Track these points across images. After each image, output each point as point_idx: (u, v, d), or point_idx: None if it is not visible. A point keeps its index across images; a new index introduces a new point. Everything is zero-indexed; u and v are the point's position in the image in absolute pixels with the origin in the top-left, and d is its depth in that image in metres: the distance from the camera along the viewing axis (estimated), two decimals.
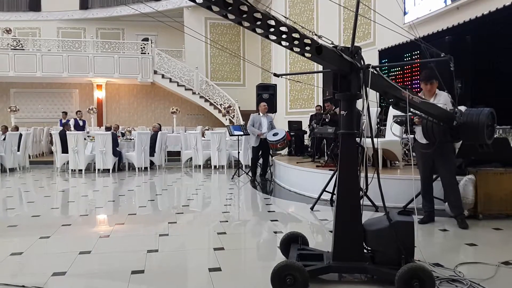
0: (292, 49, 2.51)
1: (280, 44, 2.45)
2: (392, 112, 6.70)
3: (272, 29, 2.28)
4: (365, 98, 2.90)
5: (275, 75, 3.59)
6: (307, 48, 2.49)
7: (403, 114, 3.87)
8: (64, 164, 10.40)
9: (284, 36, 2.35)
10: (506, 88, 6.49)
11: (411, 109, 3.45)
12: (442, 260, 3.33)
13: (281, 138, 7.94)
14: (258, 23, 2.21)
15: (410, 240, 2.86)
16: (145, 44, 18.02)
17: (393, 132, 5.61)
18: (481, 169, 4.87)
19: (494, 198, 4.79)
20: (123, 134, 12.34)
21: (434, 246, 4.00)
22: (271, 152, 8.73)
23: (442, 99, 4.30)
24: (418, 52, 7.57)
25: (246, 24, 2.21)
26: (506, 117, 3.84)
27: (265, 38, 2.39)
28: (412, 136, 5.04)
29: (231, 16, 2.14)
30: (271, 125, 8.46)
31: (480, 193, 4.78)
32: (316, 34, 2.76)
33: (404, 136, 6.74)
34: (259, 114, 8.64)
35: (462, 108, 4.22)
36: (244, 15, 2.14)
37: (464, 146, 4.59)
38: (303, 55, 2.58)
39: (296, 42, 2.42)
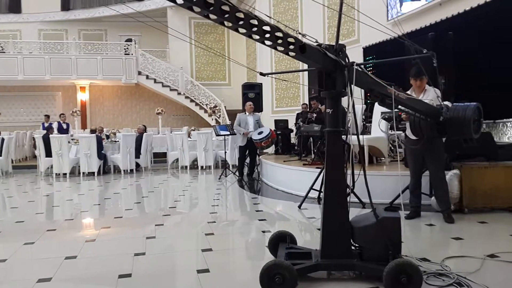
0: (276, 48, 2.50)
1: (264, 44, 2.44)
2: (378, 109, 6.75)
3: (255, 29, 2.27)
4: (350, 95, 2.91)
5: (261, 74, 3.58)
6: (291, 47, 2.48)
7: (390, 110, 3.91)
8: (48, 168, 10.25)
9: (267, 35, 2.34)
10: (489, 83, 6.59)
11: (398, 106, 3.47)
12: (429, 255, 3.35)
13: (265, 136, 7.92)
14: (241, 23, 2.20)
15: (397, 236, 2.88)
16: (128, 45, 17.84)
17: (381, 129, 5.65)
18: (466, 164, 4.93)
19: (479, 192, 4.85)
20: (107, 137, 12.21)
21: (421, 241, 4.03)
22: (258, 152, 8.72)
23: (430, 95, 4.34)
24: (402, 49, 7.63)
25: (228, 24, 2.19)
26: (489, 112, 3.88)
27: (248, 37, 2.38)
28: (400, 132, 5.09)
29: (212, 17, 2.12)
30: (258, 124, 8.46)
31: (465, 187, 4.84)
32: (300, 33, 2.76)
33: (391, 132, 6.81)
34: (245, 113, 8.63)
35: (447, 103, 4.26)
36: (226, 15, 2.12)
37: (449, 141, 4.63)
38: (287, 54, 2.57)
39: (279, 41, 2.42)
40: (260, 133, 8.04)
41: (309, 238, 4.23)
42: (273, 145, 9.44)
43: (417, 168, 4.69)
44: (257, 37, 2.33)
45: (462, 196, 4.85)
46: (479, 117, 3.90)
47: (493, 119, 6.62)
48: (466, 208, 4.86)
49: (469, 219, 4.63)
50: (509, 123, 6.57)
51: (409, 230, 4.32)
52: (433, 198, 4.93)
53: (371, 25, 3.93)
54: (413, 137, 4.46)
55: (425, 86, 4.52)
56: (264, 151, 9.17)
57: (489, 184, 4.84)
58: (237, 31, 2.28)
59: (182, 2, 1.99)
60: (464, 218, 4.69)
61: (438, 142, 4.45)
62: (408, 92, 4.55)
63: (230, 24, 2.19)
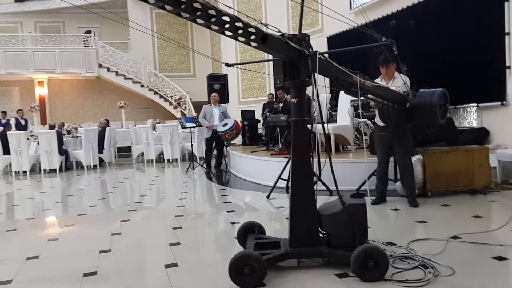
0: (236, 39, 2.46)
1: (224, 34, 2.39)
2: (343, 98, 6.83)
3: (213, 19, 2.22)
4: (314, 84, 2.90)
5: (226, 65, 3.52)
6: (252, 37, 2.45)
7: (365, 98, 3.94)
8: (7, 166, 9.90)
9: (227, 25, 2.30)
10: (448, 69, 6.79)
11: (364, 94, 3.50)
12: (395, 239, 3.42)
13: (229, 128, 7.88)
14: (198, 13, 2.14)
15: (363, 222, 2.91)
16: (87, 37, 17.28)
17: (350, 116, 5.71)
18: (428, 149, 5.07)
19: (441, 176, 5.00)
20: (68, 132, 11.84)
21: (387, 225, 4.11)
22: (225, 143, 8.67)
23: (399, 82, 4.39)
24: (365, 37, 7.74)
25: (185, 15, 2.13)
26: (450, 98, 3.97)
27: (207, 28, 2.33)
28: (364, 120, 5.16)
29: (168, 8, 2.06)
30: (224, 116, 8.39)
31: (428, 172, 4.97)
32: (261, 23, 2.72)
33: (356, 120, 6.91)
34: (210, 105, 8.55)
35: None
36: (183, 6, 2.06)
37: (412, 128, 4.73)
38: (249, 44, 2.54)
39: (240, 32, 2.38)
40: (224, 125, 7.99)
41: (278, 228, 4.23)
42: (241, 136, 9.42)
43: (385, 155, 4.75)
44: (216, 27, 2.28)
45: (425, 180, 4.98)
46: (445, 103, 3.95)
47: (454, 105, 6.83)
48: (429, 192, 5.00)
49: (433, 203, 4.76)
50: (469, 108, 6.80)
51: (375, 215, 4.40)
52: (397, 183, 5.04)
53: (334, 14, 3.93)
54: (382, 124, 4.52)
55: (394, 74, 4.56)
56: (232, 142, 9.14)
57: (451, 168, 4.99)
58: (196, 21, 2.22)
59: None
60: (428, 201, 4.82)
61: (406, 129, 4.52)
62: (378, 79, 4.61)
63: (187, 15, 2.14)
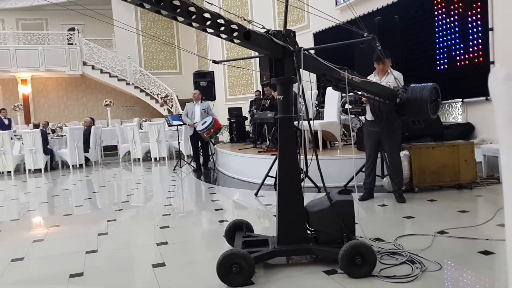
0: (219, 36, 2.44)
1: (206, 31, 2.37)
2: (330, 94, 6.84)
3: (194, 16, 2.19)
4: (299, 81, 2.89)
5: (213, 62, 3.50)
6: (235, 34, 2.43)
7: (351, 94, 3.92)
8: None
9: (208, 22, 2.27)
10: (434, 65, 6.84)
11: (354, 90, 3.49)
12: (383, 235, 3.44)
13: (206, 127, 7.83)
14: (178, 10, 2.11)
15: (351, 218, 2.91)
16: (71, 34, 17.05)
17: (343, 113, 5.70)
18: (414, 145, 5.10)
19: (427, 171, 5.03)
20: (53, 131, 11.68)
21: (374, 221, 4.13)
22: (212, 140, 8.63)
23: (390, 78, 4.33)
24: (351, 33, 7.77)
25: (164, 12, 2.10)
26: None
27: (188, 26, 2.30)
28: (353, 116, 5.17)
29: (147, 6, 2.03)
30: (206, 113, 8.31)
31: (414, 167, 5.00)
32: (245, 19, 2.70)
33: (343, 116, 6.93)
34: (193, 102, 8.50)
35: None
36: (162, 3, 2.03)
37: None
38: (232, 41, 2.52)
39: (222, 28, 2.36)
40: (204, 123, 7.95)
41: (267, 225, 4.22)
42: (228, 134, 9.38)
43: (373, 150, 4.73)
44: (197, 25, 2.26)
45: (412, 175, 5.02)
46: (437, 97, 3.93)
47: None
48: (416, 187, 5.03)
49: (420, 198, 4.80)
50: (454, 103, 6.86)
51: (362, 211, 4.41)
52: (385, 179, 5.07)
53: (318, 11, 3.92)
54: (372, 119, 4.52)
55: (388, 69, 4.52)
56: (219, 139, 9.09)
57: (437, 163, 5.03)
58: (176, 19, 2.19)
59: None
60: (414, 197, 4.85)
61: (395, 125, 4.52)
62: (371, 75, 4.60)
63: (166, 13, 2.10)
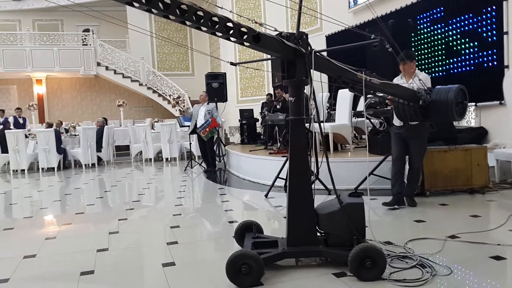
0: (228, 39, 2.46)
1: (215, 35, 2.38)
2: (342, 96, 6.82)
3: (202, 20, 2.21)
4: (310, 83, 2.89)
5: (231, 64, 3.49)
6: (244, 37, 2.44)
7: (374, 95, 3.88)
8: (5, 164, 9.87)
9: (217, 26, 2.28)
10: (447, 68, 6.78)
11: (373, 91, 3.45)
12: (393, 238, 3.42)
13: (200, 126, 7.94)
14: (186, 15, 2.13)
15: (361, 221, 2.90)
16: (86, 35, 17.25)
17: (366, 115, 5.62)
18: (427, 148, 5.04)
19: (440, 175, 4.99)
20: (67, 130, 11.82)
21: (384, 225, 4.10)
22: (222, 141, 8.67)
23: (416, 80, 4.22)
24: (363, 36, 7.75)
25: (172, 17, 2.12)
26: None
27: (197, 30, 2.32)
28: (367, 119, 5.12)
29: (155, 11, 2.05)
30: (211, 114, 8.32)
31: (426, 171, 4.96)
32: (256, 22, 2.71)
33: (355, 119, 6.89)
34: (200, 104, 8.56)
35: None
36: (167, 9, 2.05)
37: None
38: (243, 44, 2.53)
39: (231, 32, 2.38)
40: (202, 123, 8.06)
41: (276, 227, 4.23)
42: (239, 135, 9.40)
43: (401, 153, 4.58)
44: (205, 28, 2.27)
45: (424, 179, 4.98)
46: (463, 99, 3.79)
47: None
48: (428, 191, 4.99)
49: (431, 202, 4.76)
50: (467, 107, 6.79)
51: (373, 214, 4.38)
52: None
53: (330, 13, 3.91)
54: (398, 124, 4.43)
55: (415, 71, 4.40)
56: (230, 140, 9.13)
57: (449, 167, 4.99)
58: (184, 23, 2.21)
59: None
60: (426, 201, 4.81)
61: (423, 131, 4.38)
62: (398, 77, 4.55)
63: (174, 18, 2.12)
